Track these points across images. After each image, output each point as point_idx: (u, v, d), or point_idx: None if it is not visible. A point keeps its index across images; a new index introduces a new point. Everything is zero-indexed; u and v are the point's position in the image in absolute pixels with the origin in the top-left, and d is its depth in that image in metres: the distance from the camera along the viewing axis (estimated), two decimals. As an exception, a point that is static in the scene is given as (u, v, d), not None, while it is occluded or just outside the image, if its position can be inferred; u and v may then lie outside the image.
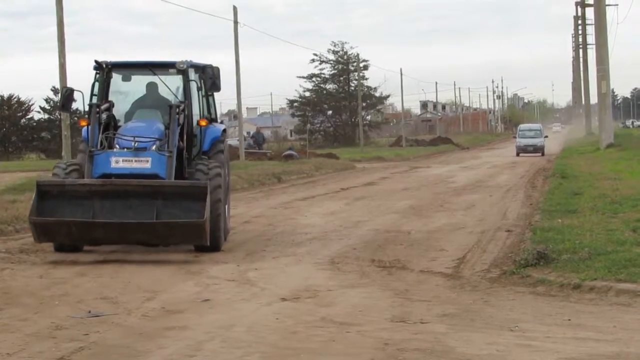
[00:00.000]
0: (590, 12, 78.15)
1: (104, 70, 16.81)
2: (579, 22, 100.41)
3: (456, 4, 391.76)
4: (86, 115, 16.36)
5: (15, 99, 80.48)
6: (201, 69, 17.07)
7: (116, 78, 17.13)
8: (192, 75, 16.94)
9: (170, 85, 16.89)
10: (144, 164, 15.39)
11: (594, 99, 79.79)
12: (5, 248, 16.43)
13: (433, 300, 11.19)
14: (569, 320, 9.88)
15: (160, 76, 16.92)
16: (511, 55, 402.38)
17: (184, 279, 13.10)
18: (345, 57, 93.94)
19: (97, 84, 16.75)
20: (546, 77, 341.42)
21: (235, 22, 48.03)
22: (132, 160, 15.43)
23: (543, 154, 59.20)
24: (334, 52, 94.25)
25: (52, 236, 15.05)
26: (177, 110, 15.96)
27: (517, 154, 60.40)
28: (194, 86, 17.01)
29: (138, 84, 17.45)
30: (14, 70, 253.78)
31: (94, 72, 16.89)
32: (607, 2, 55.32)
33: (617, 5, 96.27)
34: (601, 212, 17.94)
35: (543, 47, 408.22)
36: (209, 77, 16.79)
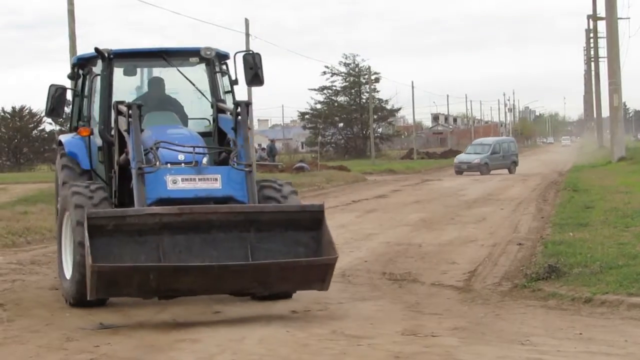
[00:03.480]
0: (602, 25, 78.34)
1: (106, 61, 12.96)
2: (591, 35, 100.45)
3: (467, 17, 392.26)
4: (85, 123, 13.21)
5: (27, 111, 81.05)
6: (227, 58, 13.52)
7: (116, 72, 13.24)
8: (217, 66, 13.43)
9: (189, 79, 13.35)
10: (212, 183, 11.45)
11: (605, 112, 79.74)
12: (16, 259, 16.48)
13: (444, 314, 11.17)
14: (580, 334, 9.84)
15: (178, 67, 13.25)
16: (523, 68, 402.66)
17: (195, 291, 13.06)
18: (356, 69, 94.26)
19: (86, 82, 13.43)
20: (558, 90, 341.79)
21: (247, 35, 48.11)
22: (195, 179, 11.41)
23: (482, 173, 52.18)
24: (346, 65, 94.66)
25: (119, 289, 10.49)
26: (247, 109, 12.10)
27: (457, 173, 53.74)
28: (221, 80, 13.43)
29: (135, 79, 13.90)
30: (26, 82, 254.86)
31: (75, 66, 13.84)
32: (619, 15, 55.33)
33: (629, 18, 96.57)
34: (613, 225, 17.88)
35: (555, 60, 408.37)
36: (250, 67, 13.02)
